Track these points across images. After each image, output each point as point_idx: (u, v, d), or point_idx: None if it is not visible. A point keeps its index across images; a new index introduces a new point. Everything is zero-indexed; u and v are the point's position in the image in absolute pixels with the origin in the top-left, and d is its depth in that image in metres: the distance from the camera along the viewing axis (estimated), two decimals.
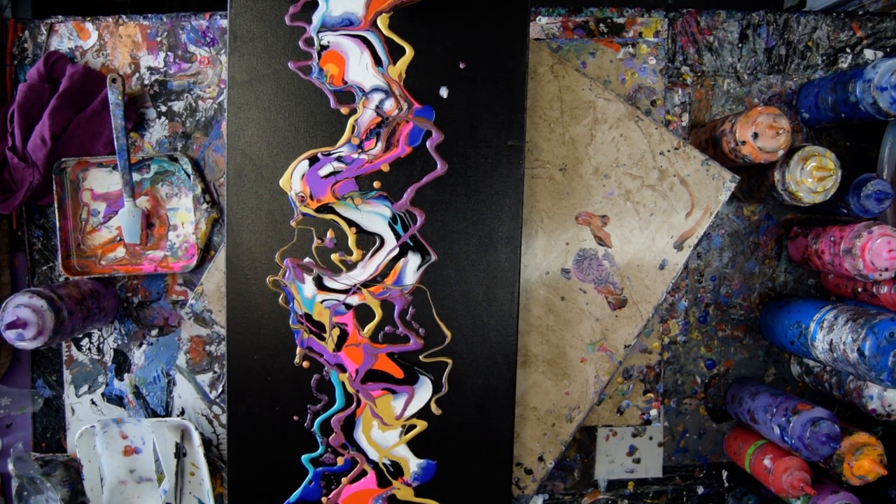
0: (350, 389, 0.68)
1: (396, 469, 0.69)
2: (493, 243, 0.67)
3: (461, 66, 0.66)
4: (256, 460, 0.69)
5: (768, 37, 0.86)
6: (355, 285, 0.67)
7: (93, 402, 0.86)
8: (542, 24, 0.83)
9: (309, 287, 0.67)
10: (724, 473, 0.91)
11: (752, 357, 0.89)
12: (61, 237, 0.82)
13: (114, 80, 0.75)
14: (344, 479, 0.69)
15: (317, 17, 0.66)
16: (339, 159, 0.67)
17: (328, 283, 0.67)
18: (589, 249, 0.73)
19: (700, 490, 0.91)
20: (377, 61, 0.66)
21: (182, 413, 0.86)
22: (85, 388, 0.86)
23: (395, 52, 0.66)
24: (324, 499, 0.69)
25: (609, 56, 0.82)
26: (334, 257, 0.67)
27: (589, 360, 0.74)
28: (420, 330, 0.67)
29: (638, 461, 0.89)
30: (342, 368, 0.68)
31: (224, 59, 0.83)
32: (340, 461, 0.69)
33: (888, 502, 0.84)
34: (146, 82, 0.84)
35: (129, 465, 0.84)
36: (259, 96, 0.66)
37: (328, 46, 0.66)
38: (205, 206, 0.83)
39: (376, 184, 0.66)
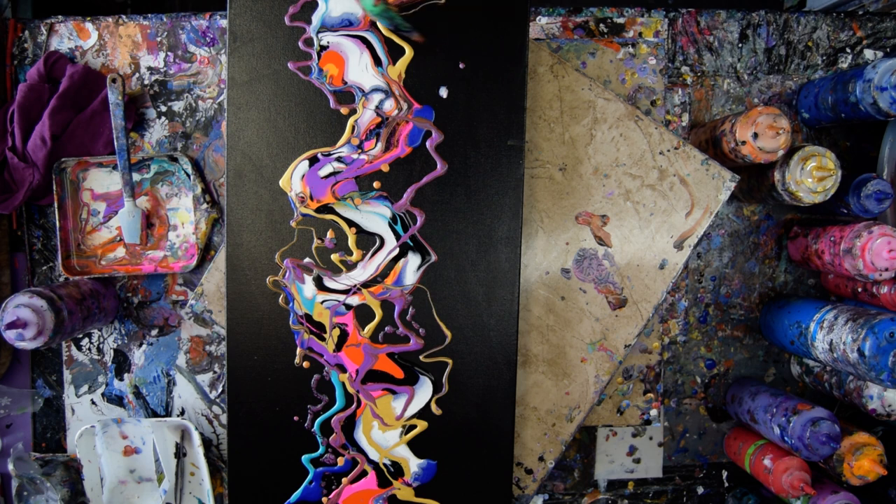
0: (350, 390, 0.68)
1: (397, 469, 0.69)
2: (493, 243, 0.67)
3: (461, 66, 0.66)
4: (256, 460, 0.69)
5: (768, 37, 0.86)
6: (355, 285, 0.67)
7: (93, 402, 0.86)
8: (542, 24, 0.83)
9: (309, 287, 0.67)
10: (724, 473, 0.91)
11: (752, 357, 0.89)
12: (61, 237, 0.81)
13: (114, 80, 0.75)
14: (344, 480, 0.69)
15: (316, 18, 0.66)
16: (339, 159, 0.67)
17: (328, 283, 0.67)
18: (589, 249, 0.73)
19: (700, 490, 0.91)
20: (377, 61, 0.66)
21: (182, 413, 0.86)
22: (85, 388, 0.86)
23: (395, 53, 0.66)
24: (324, 499, 0.69)
25: (609, 56, 0.82)
26: (334, 257, 0.67)
27: (589, 360, 0.74)
28: (420, 330, 0.67)
29: (638, 461, 0.89)
30: (342, 369, 0.68)
31: (224, 59, 0.83)
32: (341, 461, 0.69)
33: (888, 502, 0.84)
34: (146, 82, 0.84)
35: (129, 465, 0.84)
36: (259, 96, 0.66)
37: (328, 47, 0.66)
38: (205, 206, 0.83)
39: (376, 184, 0.66)
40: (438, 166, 0.66)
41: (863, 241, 0.72)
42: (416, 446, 0.69)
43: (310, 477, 0.69)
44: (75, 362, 0.86)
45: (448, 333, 0.67)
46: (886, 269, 0.72)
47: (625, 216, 0.73)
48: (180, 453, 0.83)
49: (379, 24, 0.65)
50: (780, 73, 0.86)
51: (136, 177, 0.83)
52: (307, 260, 0.67)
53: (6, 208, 0.80)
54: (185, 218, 0.84)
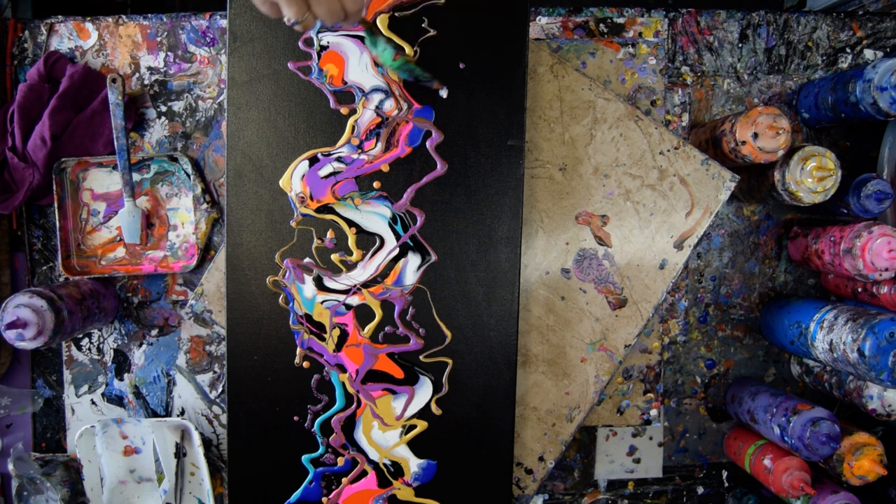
0: (350, 390, 0.68)
1: (397, 469, 0.69)
2: (493, 243, 0.67)
3: (461, 66, 0.66)
4: (256, 460, 0.69)
5: (768, 37, 0.86)
6: (355, 286, 0.67)
7: (93, 402, 0.86)
8: (542, 24, 0.83)
9: (309, 287, 0.67)
10: (724, 473, 0.91)
11: (752, 357, 0.89)
12: (61, 237, 0.81)
13: (114, 80, 0.75)
14: (344, 480, 0.69)
15: None
16: (339, 159, 0.67)
17: (328, 283, 0.67)
18: (589, 249, 0.73)
19: (700, 490, 0.91)
20: (377, 61, 0.66)
21: (182, 413, 0.86)
22: (85, 388, 0.86)
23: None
24: (324, 499, 0.69)
25: (609, 56, 0.82)
26: (334, 257, 0.67)
27: (589, 360, 0.74)
28: (420, 330, 0.67)
29: (638, 461, 0.89)
30: (342, 369, 0.68)
31: (224, 59, 0.83)
32: (341, 461, 0.69)
33: (888, 502, 0.84)
34: (146, 82, 0.84)
35: (129, 465, 0.84)
36: (259, 96, 0.66)
37: (328, 47, 0.66)
38: (205, 206, 0.83)
39: (376, 184, 0.66)
40: (438, 166, 0.66)
41: (863, 241, 0.72)
42: (416, 446, 0.69)
43: (310, 477, 0.69)
44: (75, 362, 0.86)
45: (448, 333, 0.67)
46: (886, 269, 0.72)
47: (625, 216, 0.73)
48: (180, 453, 0.83)
49: (397, 76, 0.65)
50: (780, 73, 0.86)
51: (136, 177, 0.83)
52: (307, 260, 0.67)
53: (6, 208, 0.80)
54: (185, 218, 0.84)
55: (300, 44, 0.66)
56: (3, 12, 0.95)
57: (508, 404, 0.68)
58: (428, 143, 0.66)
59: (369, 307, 0.67)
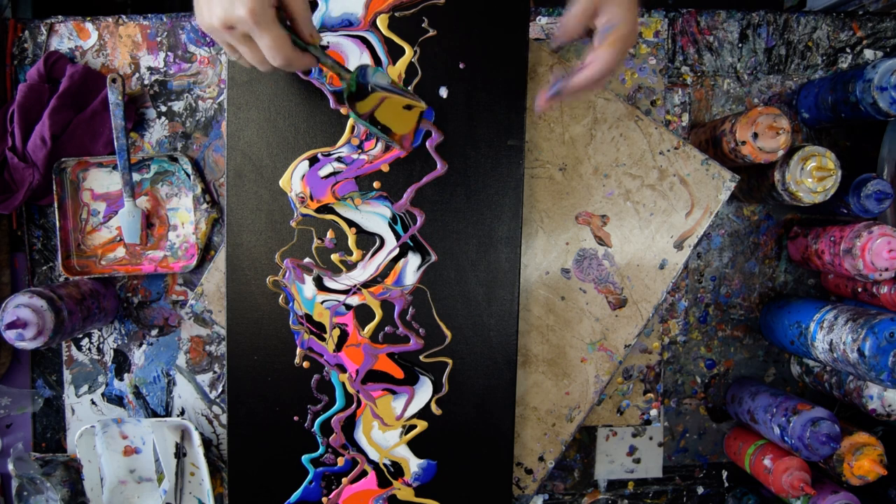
0: (350, 390, 0.68)
1: (397, 469, 0.69)
2: (493, 243, 0.67)
3: (461, 66, 0.66)
4: (256, 460, 0.69)
5: (768, 37, 0.86)
6: (355, 286, 0.67)
7: (93, 402, 0.86)
8: (542, 24, 0.83)
9: (309, 287, 0.67)
10: (724, 473, 0.91)
11: (752, 357, 0.89)
12: (61, 237, 0.81)
13: (114, 80, 0.75)
14: (344, 480, 0.69)
15: (316, 18, 0.66)
16: (339, 159, 0.67)
17: (328, 283, 0.67)
18: (589, 249, 0.73)
19: (700, 490, 0.91)
20: (377, 61, 0.66)
21: (182, 413, 0.86)
22: (85, 388, 0.86)
23: (395, 53, 0.66)
24: (324, 499, 0.69)
25: None
26: (334, 257, 0.67)
27: (589, 360, 0.74)
28: (420, 330, 0.67)
29: (638, 461, 0.89)
30: (342, 369, 0.68)
31: (224, 59, 0.83)
32: (341, 461, 0.69)
33: (888, 502, 0.84)
34: (146, 82, 0.84)
35: (129, 465, 0.84)
36: (259, 96, 0.66)
37: (328, 47, 0.66)
38: (205, 206, 0.83)
39: (376, 184, 0.66)
40: (438, 166, 0.66)
41: (863, 241, 0.72)
42: (416, 446, 0.69)
43: (310, 477, 0.69)
44: (75, 362, 0.86)
45: (448, 333, 0.67)
46: (886, 269, 0.72)
47: (625, 216, 0.73)
48: (180, 453, 0.83)
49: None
50: (780, 73, 0.86)
51: (136, 177, 0.83)
52: (307, 260, 0.67)
53: (6, 208, 0.80)
54: (185, 218, 0.84)
55: None
56: (3, 12, 0.95)
57: (508, 404, 0.68)
58: (428, 143, 0.66)
59: (369, 307, 0.67)
